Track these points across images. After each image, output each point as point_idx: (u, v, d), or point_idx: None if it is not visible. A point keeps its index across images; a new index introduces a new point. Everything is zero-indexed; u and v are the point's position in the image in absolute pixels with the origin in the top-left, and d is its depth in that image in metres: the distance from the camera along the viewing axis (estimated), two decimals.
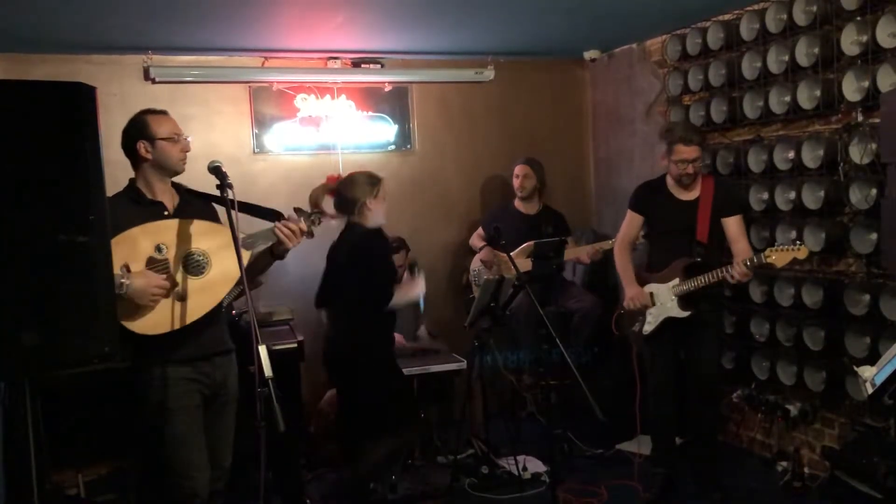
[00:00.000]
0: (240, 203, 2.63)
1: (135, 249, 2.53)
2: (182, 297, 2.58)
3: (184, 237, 2.62)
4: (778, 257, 3.39)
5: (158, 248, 2.56)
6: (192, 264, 2.62)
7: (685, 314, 3.67)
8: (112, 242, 2.26)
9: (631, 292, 3.79)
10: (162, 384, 2.63)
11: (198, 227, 2.66)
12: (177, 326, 2.58)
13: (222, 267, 2.64)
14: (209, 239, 2.65)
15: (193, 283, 2.61)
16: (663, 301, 3.73)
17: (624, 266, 3.90)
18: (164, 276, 2.55)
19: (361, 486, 3.68)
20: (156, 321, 2.55)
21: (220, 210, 2.78)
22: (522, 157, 5.04)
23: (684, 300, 3.68)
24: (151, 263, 2.55)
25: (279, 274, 3.83)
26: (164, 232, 2.59)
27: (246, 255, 2.72)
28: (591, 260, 4.64)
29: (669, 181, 3.80)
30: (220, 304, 2.72)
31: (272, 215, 2.79)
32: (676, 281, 3.69)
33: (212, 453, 2.76)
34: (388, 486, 3.92)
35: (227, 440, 2.84)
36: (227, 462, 2.84)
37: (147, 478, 2.83)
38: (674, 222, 3.75)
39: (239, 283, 2.61)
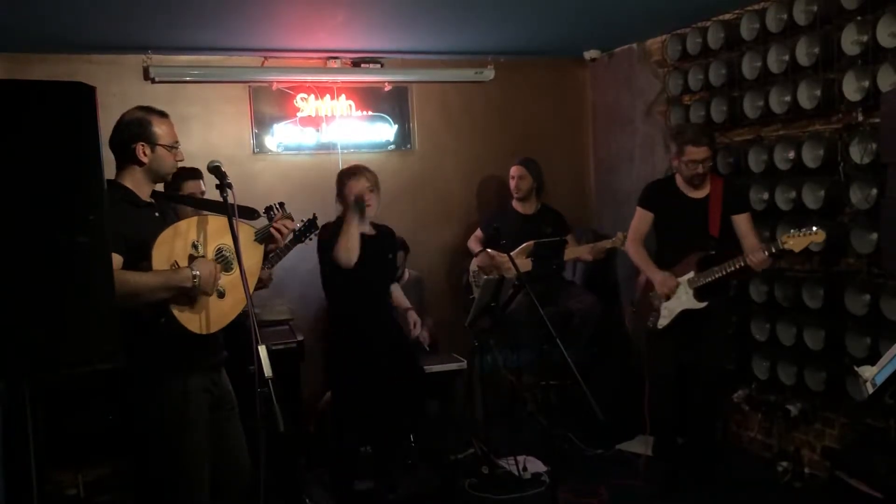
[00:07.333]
0: (214, 202, 2.56)
1: (175, 249, 2.46)
2: (222, 294, 2.53)
3: (210, 234, 2.55)
4: (795, 242, 3.43)
5: (195, 246, 2.50)
6: (222, 260, 2.57)
7: (701, 305, 3.73)
8: (154, 246, 2.39)
9: (659, 277, 3.82)
10: (182, 397, 2.50)
11: (215, 223, 2.58)
12: (222, 325, 2.54)
13: (244, 263, 2.55)
14: (228, 236, 2.56)
15: (226, 278, 2.56)
16: (678, 294, 3.78)
17: (642, 257, 3.95)
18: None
19: None
20: (205, 319, 2.49)
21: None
22: (518, 158, 5.02)
23: (700, 292, 3.72)
24: (192, 261, 2.47)
25: (280, 274, 3.83)
26: (191, 230, 2.52)
27: (260, 249, 2.72)
28: (594, 258, 4.64)
29: (679, 181, 3.84)
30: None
31: (248, 213, 2.69)
32: (692, 274, 3.73)
33: (234, 457, 2.69)
34: (388, 487, 3.92)
35: (243, 442, 2.75)
36: (248, 462, 2.74)
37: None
38: (685, 220, 3.81)
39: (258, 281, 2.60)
